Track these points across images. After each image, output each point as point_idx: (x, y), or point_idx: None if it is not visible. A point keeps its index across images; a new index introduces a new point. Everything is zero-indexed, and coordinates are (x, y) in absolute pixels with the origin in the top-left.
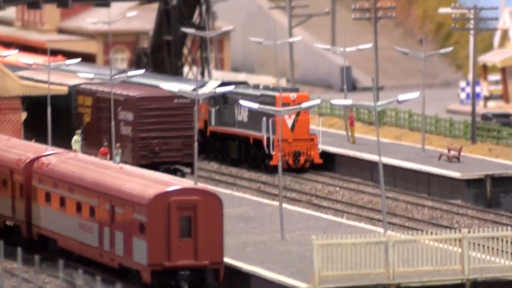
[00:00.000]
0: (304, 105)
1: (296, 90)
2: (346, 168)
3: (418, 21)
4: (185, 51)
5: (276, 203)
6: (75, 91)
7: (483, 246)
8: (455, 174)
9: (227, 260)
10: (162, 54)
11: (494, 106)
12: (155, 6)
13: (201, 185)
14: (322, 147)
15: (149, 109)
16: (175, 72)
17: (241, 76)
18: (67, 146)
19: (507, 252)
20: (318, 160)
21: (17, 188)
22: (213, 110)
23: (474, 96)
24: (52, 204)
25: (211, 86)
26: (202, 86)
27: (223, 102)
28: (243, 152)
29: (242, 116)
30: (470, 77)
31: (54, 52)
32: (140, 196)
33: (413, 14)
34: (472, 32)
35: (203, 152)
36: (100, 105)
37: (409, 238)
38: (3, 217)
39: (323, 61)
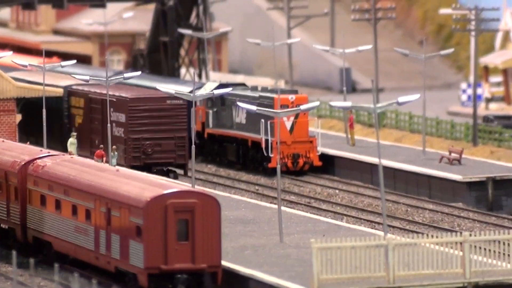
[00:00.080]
0: (303, 107)
1: (295, 92)
2: (345, 171)
3: (418, 22)
4: (182, 52)
5: (274, 206)
6: (67, 92)
7: (485, 249)
8: (456, 177)
9: (225, 263)
10: (158, 55)
11: (495, 108)
12: (151, 7)
13: (198, 187)
14: (321, 149)
15: (142, 110)
16: (172, 74)
17: (239, 78)
18: (59, 147)
19: (509, 255)
20: (317, 163)
21: (12, 191)
22: (210, 112)
23: (476, 98)
24: (47, 207)
25: (209, 88)
26: (200, 87)
27: (221, 104)
28: (241, 155)
29: (240, 118)
30: (471, 78)
31: (49, 54)
32: (137, 199)
33: (413, 15)
34: (473, 33)
35: (200, 154)
36: (93, 106)
37: (409, 241)
38: None
39: (322, 62)
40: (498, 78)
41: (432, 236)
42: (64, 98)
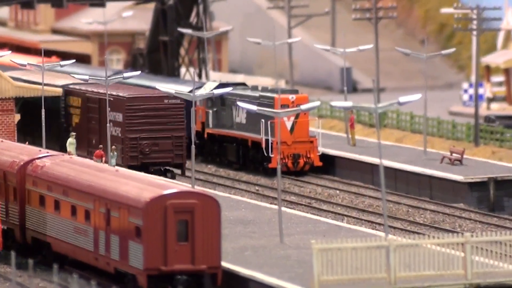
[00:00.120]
0: (303, 107)
1: (296, 92)
2: (346, 171)
3: (419, 21)
4: (182, 51)
5: (275, 207)
6: (64, 91)
7: (486, 250)
8: (458, 177)
9: (225, 264)
10: (158, 55)
11: (497, 108)
12: (151, 6)
13: (198, 188)
14: (322, 149)
15: (139, 109)
16: (172, 73)
17: (239, 77)
18: (56, 147)
19: (510, 256)
20: (317, 163)
21: (10, 191)
22: (210, 112)
23: (477, 98)
24: (46, 208)
25: (209, 88)
26: (200, 87)
27: (221, 103)
28: (242, 155)
29: (240, 118)
30: (473, 78)
31: (48, 53)
32: (136, 200)
33: (414, 14)
34: (475, 32)
35: (200, 154)
36: (90, 105)
37: (410, 242)
38: None
39: (322, 62)
40: (499, 78)
41: (434, 237)
42: (61, 98)
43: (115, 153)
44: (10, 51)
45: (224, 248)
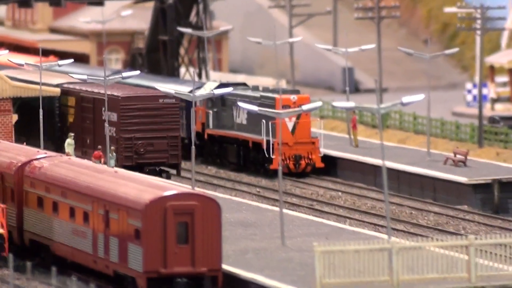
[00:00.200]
0: (305, 107)
1: (297, 92)
2: (348, 173)
3: (422, 20)
4: (182, 51)
5: (276, 208)
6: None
7: (491, 253)
8: (462, 179)
9: (225, 267)
10: (158, 54)
11: (501, 109)
12: (150, 4)
13: (198, 189)
14: (323, 150)
15: (134, 109)
16: (172, 73)
17: (239, 78)
18: (50, 147)
19: None
20: (319, 164)
21: (8, 193)
22: (211, 112)
23: (481, 98)
24: (44, 209)
25: (209, 88)
26: (200, 87)
27: (221, 104)
28: (242, 156)
29: (241, 118)
30: (477, 78)
31: (46, 52)
32: (136, 201)
33: (417, 14)
34: (478, 32)
35: (200, 155)
36: (84, 105)
37: (414, 244)
38: None
39: (324, 62)
40: (504, 78)
41: (437, 240)
42: (56, 97)
43: (114, 154)
44: (7, 51)
45: (225, 250)
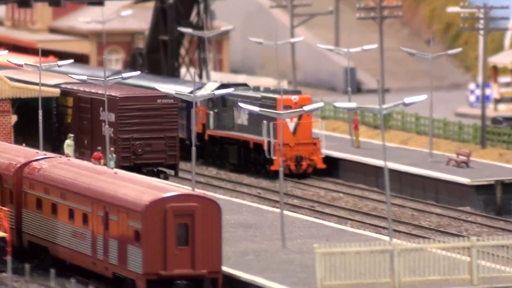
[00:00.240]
0: (306, 108)
1: (298, 93)
2: (350, 174)
3: (425, 20)
4: (182, 51)
5: (277, 210)
6: None
7: (493, 254)
8: (464, 180)
9: (225, 269)
10: (158, 54)
11: (504, 109)
12: (150, 4)
13: (199, 191)
14: (325, 151)
15: (132, 109)
16: (172, 74)
17: (240, 78)
18: (47, 147)
19: None
20: (321, 165)
21: (7, 194)
22: (211, 113)
23: (484, 99)
24: (43, 211)
25: (210, 88)
26: (200, 88)
27: (222, 105)
28: (243, 157)
29: (242, 119)
30: (480, 79)
31: (46, 53)
32: (135, 203)
33: (420, 13)
34: (482, 32)
35: (201, 156)
36: (81, 105)
37: (415, 246)
38: None
39: (326, 62)
40: (507, 79)
41: (439, 241)
42: (53, 97)
43: (114, 155)
44: (6, 51)
45: (225, 252)
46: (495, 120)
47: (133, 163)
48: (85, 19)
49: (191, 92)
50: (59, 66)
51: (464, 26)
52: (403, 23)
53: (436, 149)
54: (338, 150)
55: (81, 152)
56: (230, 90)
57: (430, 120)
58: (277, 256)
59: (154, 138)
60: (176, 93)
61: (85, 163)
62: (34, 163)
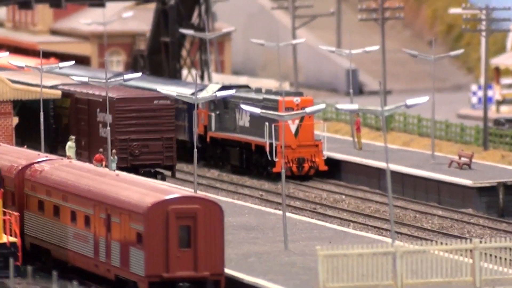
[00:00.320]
0: (308, 109)
1: (300, 94)
2: (352, 176)
3: (427, 22)
4: (184, 53)
5: (279, 212)
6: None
7: (495, 256)
8: (466, 182)
9: (228, 271)
10: (159, 56)
11: (507, 111)
12: (152, 6)
13: (201, 193)
14: (327, 153)
15: (129, 110)
16: (173, 75)
17: (242, 80)
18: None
19: None
20: (323, 167)
21: (8, 196)
22: (213, 115)
23: (486, 101)
24: (45, 213)
25: (211, 90)
26: (202, 89)
27: (224, 106)
28: (245, 159)
29: (244, 121)
30: (482, 80)
31: (47, 54)
32: (137, 205)
33: (422, 15)
34: (484, 33)
35: (203, 158)
36: (79, 106)
37: (418, 248)
38: None
39: (328, 63)
40: (509, 80)
41: (441, 243)
42: (50, 99)
43: (116, 157)
44: (7, 53)
45: (227, 254)
46: (497, 122)
47: (130, 164)
48: (86, 20)
49: (192, 94)
50: (60, 68)
51: (466, 27)
52: (405, 24)
53: (438, 151)
54: (340, 152)
55: (79, 153)
56: (231, 92)
57: (432, 121)
58: (279, 258)
59: (151, 139)
60: (177, 95)
61: (86, 165)
62: (36, 165)
